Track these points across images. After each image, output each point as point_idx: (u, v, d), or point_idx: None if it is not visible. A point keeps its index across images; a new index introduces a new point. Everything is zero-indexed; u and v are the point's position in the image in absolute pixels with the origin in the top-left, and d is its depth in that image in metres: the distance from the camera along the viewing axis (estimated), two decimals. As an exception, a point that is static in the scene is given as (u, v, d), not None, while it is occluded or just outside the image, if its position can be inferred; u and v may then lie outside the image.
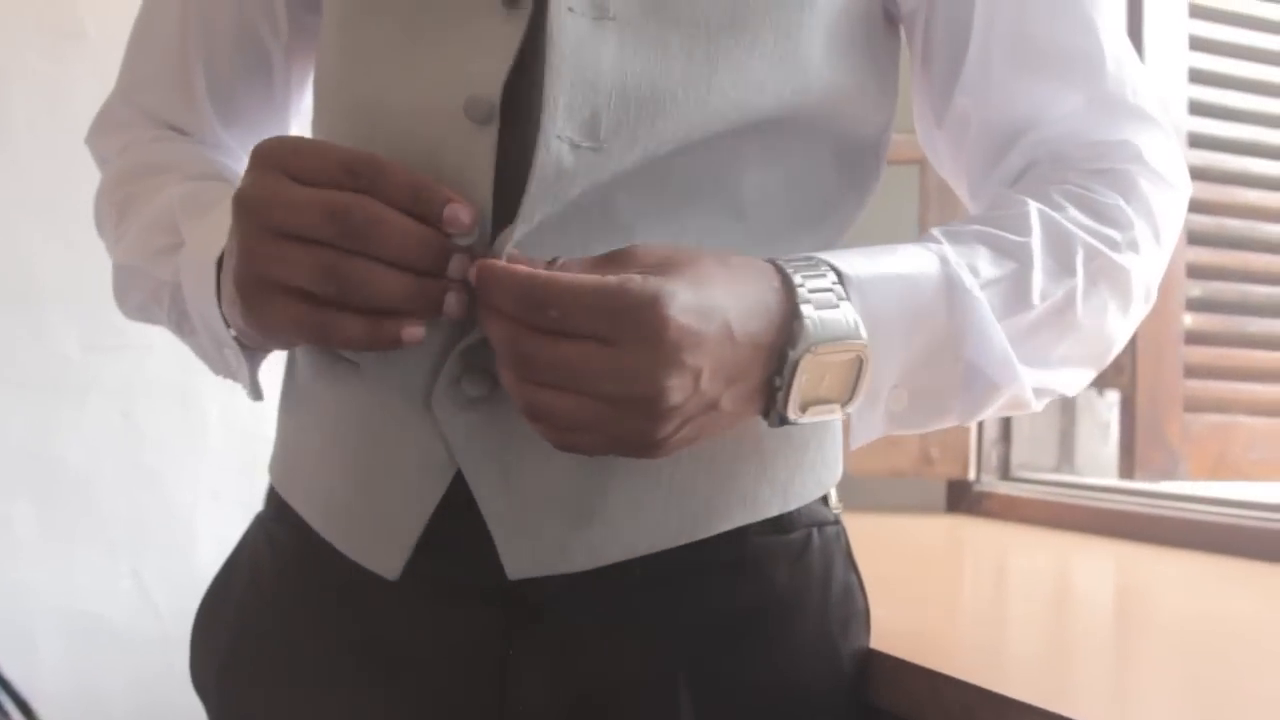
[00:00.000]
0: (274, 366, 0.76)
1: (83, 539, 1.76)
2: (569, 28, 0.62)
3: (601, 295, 0.55)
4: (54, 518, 1.75)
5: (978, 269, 0.65)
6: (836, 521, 0.77)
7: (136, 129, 0.84)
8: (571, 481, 0.66)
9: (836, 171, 0.72)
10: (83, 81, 1.40)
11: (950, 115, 0.74)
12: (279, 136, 0.63)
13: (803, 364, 0.59)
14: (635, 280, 0.55)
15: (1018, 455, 1.81)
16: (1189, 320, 1.69)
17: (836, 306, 0.60)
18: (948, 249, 0.66)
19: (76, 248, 1.44)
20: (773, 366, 0.60)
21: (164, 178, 0.79)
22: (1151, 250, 0.72)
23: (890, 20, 0.75)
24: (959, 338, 0.65)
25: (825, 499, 0.76)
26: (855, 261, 0.62)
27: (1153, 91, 0.75)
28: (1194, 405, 1.68)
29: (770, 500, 0.71)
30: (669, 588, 0.69)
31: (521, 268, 0.57)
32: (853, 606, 0.76)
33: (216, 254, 0.67)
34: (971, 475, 1.75)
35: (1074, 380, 0.72)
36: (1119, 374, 1.66)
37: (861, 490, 1.56)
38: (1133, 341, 1.23)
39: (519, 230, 0.61)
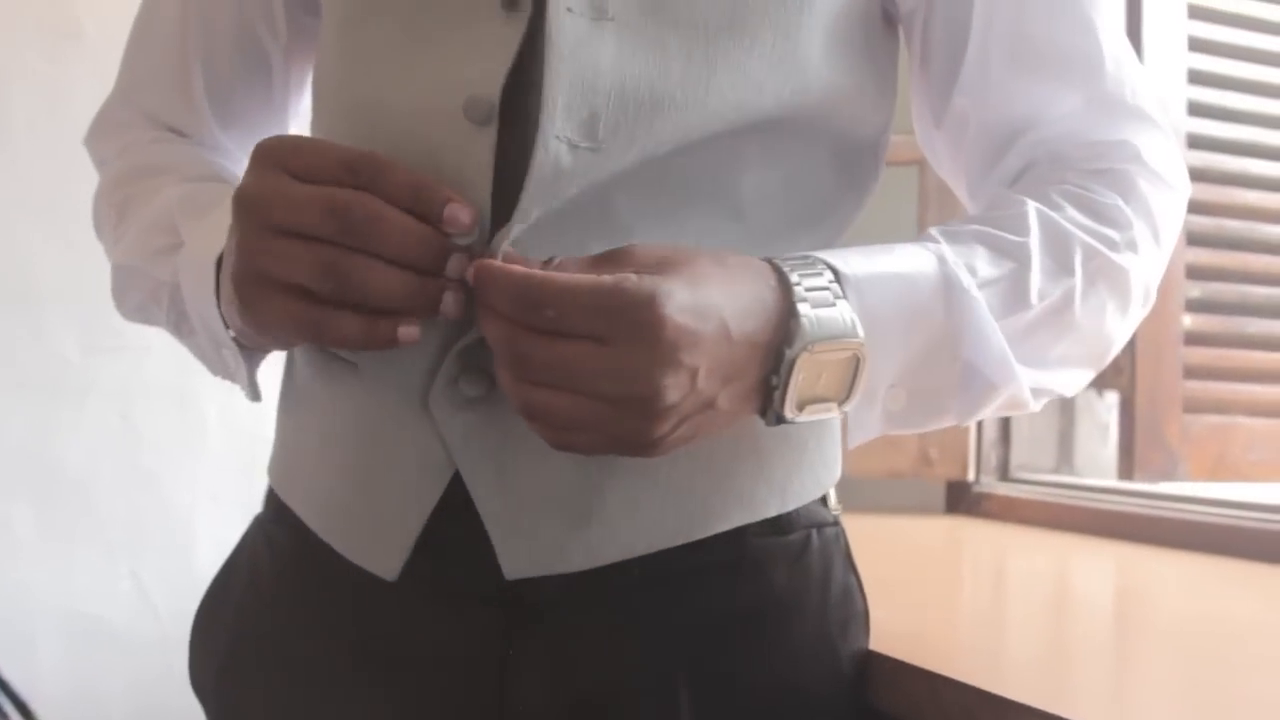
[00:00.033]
0: (273, 368, 0.76)
1: (82, 540, 1.76)
2: (568, 28, 0.62)
3: (598, 295, 0.55)
4: (53, 519, 1.75)
5: (975, 268, 0.65)
6: (836, 523, 0.77)
7: (135, 130, 0.84)
8: (568, 481, 0.66)
9: (835, 172, 0.72)
10: (82, 82, 1.40)
11: (949, 116, 0.74)
12: (279, 135, 0.63)
13: (799, 362, 0.59)
14: (631, 279, 0.55)
15: (1017, 456, 1.80)
16: (1188, 321, 1.69)
17: (833, 305, 0.60)
18: (945, 248, 0.66)
19: (75, 249, 1.44)
20: (769, 365, 0.60)
21: (163, 179, 0.79)
22: (1150, 250, 0.72)
23: (889, 21, 0.75)
24: (956, 337, 0.65)
25: (824, 500, 0.76)
26: (852, 260, 0.62)
27: (1152, 92, 0.75)
28: (1193, 406, 1.68)
29: (768, 500, 0.71)
30: (668, 589, 0.69)
31: (518, 268, 0.57)
32: (852, 608, 0.76)
33: (216, 254, 0.68)
34: (971, 476, 1.75)
35: (1072, 380, 0.72)
36: (1118, 375, 1.66)
37: (860, 491, 1.56)
38: (1132, 342, 1.23)
39: (515, 229, 0.61)
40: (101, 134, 0.87)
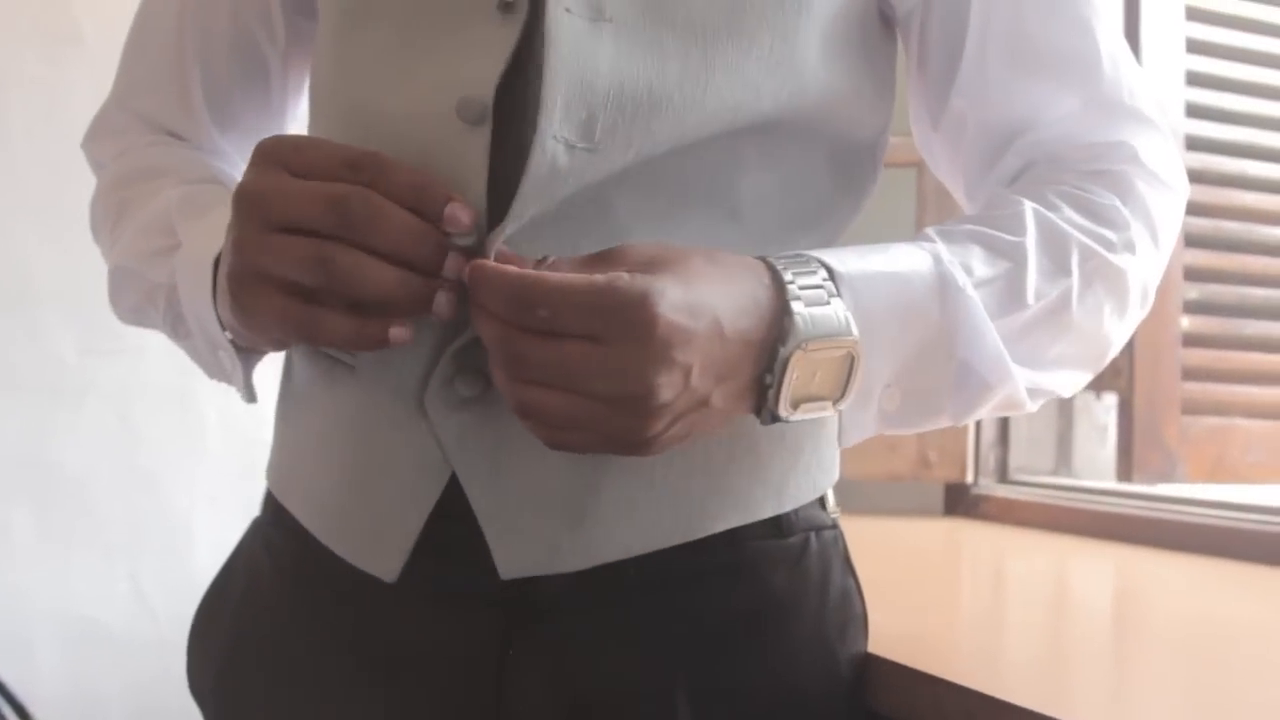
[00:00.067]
0: (271, 370, 0.76)
1: (80, 543, 1.76)
2: (566, 28, 0.62)
3: (591, 294, 0.55)
4: (51, 522, 1.75)
5: (971, 268, 0.65)
6: (834, 526, 0.76)
7: (132, 134, 0.84)
8: (564, 481, 0.66)
9: (833, 174, 0.72)
10: (80, 86, 1.40)
11: (946, 117, 0.74)
12: (280, 135, 0.63)
13: (793, 361, 0.59)
14: (624, 278, 0.55)
15: (1015, 458, 1.80)
16: (1186, 323, 1.69)
17: (827, 303, 0.60)
18: (941, 248, 0.66)
19: (73, 251, 1.44)
20: (763, 363, 0.60)
21: (160, 181, 0.78)
22: (1148, 251, 0.72)
23: (886, 23, 0.75)
24: (951, 336, 0.65)
25: (823, 503, 0.75)
26: (847, 258, 0.62)
27: (1149, 93, 0.75)
28: (1191, 408, 1.68)
29: (764, 501, 0.71)
30: (667, 591, 0.69)
31: (511, 268, 0.57)
32: (850, 611, 0.76)
33: (214, 254, 0.68)
34: (969, 478, 1.75)
35: (1069, 381, 0.72)
36: (1116, 376, 1.66)
37: (859, 494, 1.56)
38: (1130, 344, 1.23)
39: (509, 227, 0.61)
40: (99, 137, 0.86)
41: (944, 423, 0.69)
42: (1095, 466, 1.80)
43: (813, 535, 0.74)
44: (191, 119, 0.84)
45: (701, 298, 0.57)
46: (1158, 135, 0.74)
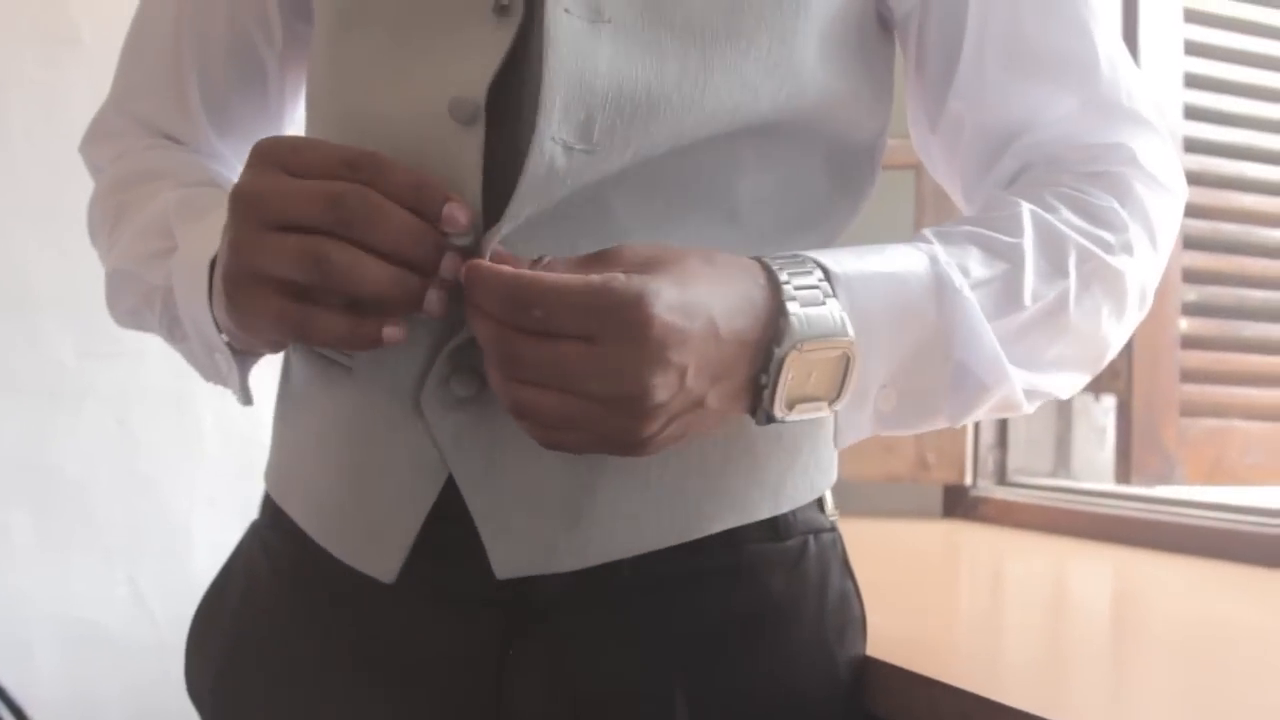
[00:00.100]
0: (267, 373, 0.76)
1: (78, 546, 1.76)
2: (565, 29, 0.62)
3: (586, 294, 0.55)
4: (50, 525, 1.75)
5: (968, 269, 0.65)
6: (833, 528, 0.76)
7: (130, 138, 0.84)
8: (559, 481, 0.66)
9: (831, 176, 0.72)
10: (78, 88, 1.40)
11: (944, 119, 0.74)
12: (277, 135, 0.63)
13: (788, 361, 0.59)
14: (619, 279, 0.55)
15: (1014, 460, 1.81)
16: (1184, 325, 1.69)
17: (823, 304, 0.60)
18: (938, 249, 0.66)
19: (71, 255, 1.44)
20: (759, 364, 0.60)
21: (158, 184, 0.78)
22: (1146, 253, 0.72)
23: (884, 25, 0.75)
24: (948, 337, 0.65)
25: (821, 505, 0.75)
26: (843, 259, 0.62)
27: (1147, 95, 0.75)
28: (1190, 410, 1.68)
29: (761, 502, 0.71)
30: (665, 592, 0.69)
31: (507, 268, 0.57)
32: (849, 613, 0.76)
33: (210, 256, 0.67)
34: (968, 480, 1.75)
35: (1067, 383, 0.72)
36: (1115, 378, 1.66)
37: (858, 496, 1.56)
38: (1128, 346, 1.23)
39: (505, 228, 0.61)
40: (97, 141, 0.87)
41: (941, 424, 0.69)
42: (1094, 468, 1.81)
43: (811, 538, 0.74)
44: (189, 122, 0.84)
45: (697, 298, 0.57)
46: (1156, 137, 0.74)
